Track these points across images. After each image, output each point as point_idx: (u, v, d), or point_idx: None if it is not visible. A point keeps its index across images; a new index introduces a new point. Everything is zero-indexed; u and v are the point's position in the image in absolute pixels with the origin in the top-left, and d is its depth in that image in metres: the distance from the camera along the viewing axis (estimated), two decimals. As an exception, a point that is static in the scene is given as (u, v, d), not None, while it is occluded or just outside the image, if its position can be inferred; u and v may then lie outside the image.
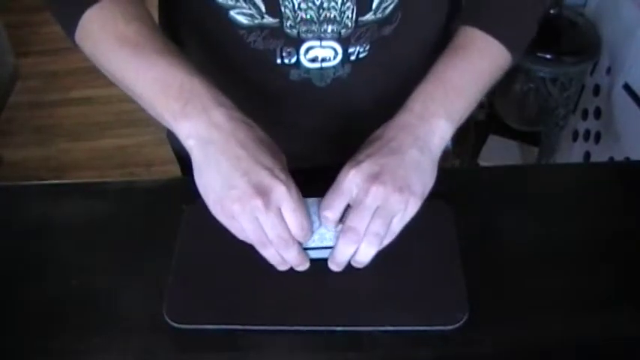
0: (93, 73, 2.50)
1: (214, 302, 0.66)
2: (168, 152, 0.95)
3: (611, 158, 1.59)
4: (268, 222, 0.59)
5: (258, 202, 0.58)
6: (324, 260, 0.65)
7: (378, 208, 0.61)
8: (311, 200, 0.66)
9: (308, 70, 0.74)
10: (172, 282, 0.67)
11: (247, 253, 0.69)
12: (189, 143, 0.61)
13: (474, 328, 0.63)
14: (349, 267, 0.66)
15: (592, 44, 1.65)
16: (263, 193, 0.58)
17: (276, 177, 0.59)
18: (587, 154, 1.74)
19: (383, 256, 0.65)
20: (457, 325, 0.63)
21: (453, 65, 0.68)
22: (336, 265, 0.65)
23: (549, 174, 0.88)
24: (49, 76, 2.53)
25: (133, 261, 0.71)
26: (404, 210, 0.62)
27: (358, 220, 0.62)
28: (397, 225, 0.63)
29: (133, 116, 2.24)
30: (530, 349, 0.63)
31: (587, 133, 1.75)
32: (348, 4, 0.68)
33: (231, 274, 0.68)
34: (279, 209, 0.60)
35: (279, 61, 0.73)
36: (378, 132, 0.66)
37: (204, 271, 0.69)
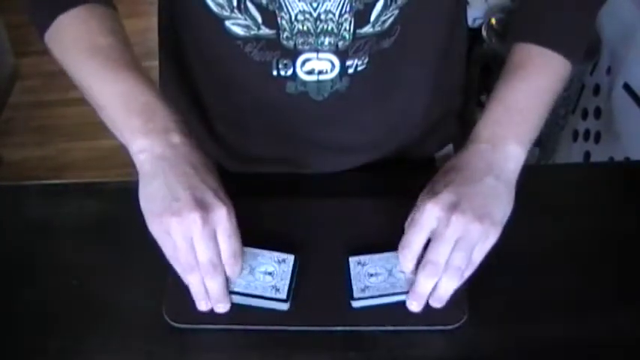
0: (93, 73, 2.41)
1: (214, 302, 0.65)
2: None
3: (611, 158, 1.59)
4: (201, 241, 0.59)
5: (196, 216, 0.58)
6: (248, 306, 0.64)
7: (458, 239, 0.60)
8: (249, 250, 0.66)
9: (305, 82, 0.73)
10: (172, 282, 0.67)
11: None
12: (140, 157, 0.62)
13: (474, 328, 0.63)
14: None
15: (592, 44, 1.65)
16: (203, 208, 0.59)
17: (220, 198, 0.60)
18: (587, 154, 1.74)
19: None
20: (457, 325, 0.63)
21: (513, 88, 0.67)
22: (416, 300, 0.63)
23: (549, 174, 0.88)
24: (48, 76, 2.53)
25: (133, 261, 0.71)
26: (485, 240, 0.61)
27: (438, 253, 0.60)
28: (478, 256, 0.61)
29: (133, 116, 2.23)
30: (531, 349, 0.63)
31: (587, 132, 1.75)
32: (346, 16, 0.67)
33: (231, 274, 0.68)
34: (215, 232, 0.60)
35: (275, 72, 0.72)
36: (450, 162, 0.66)
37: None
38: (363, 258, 0.67)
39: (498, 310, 0.66)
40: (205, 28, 0.71)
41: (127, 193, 0.81)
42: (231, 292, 0.64)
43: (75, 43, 0.67)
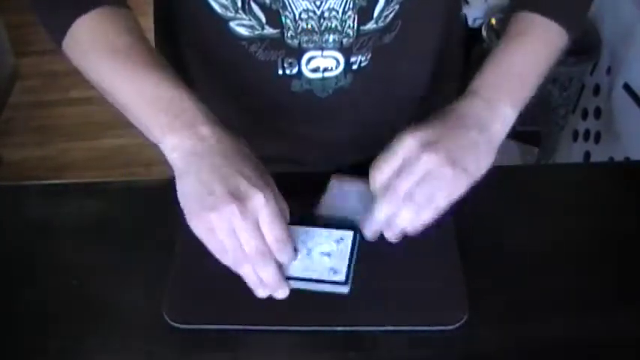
0: (93, 73, 2.41)
1: (214, 302, 0.66)
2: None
3: (611, 158, 1.59)
4: (244, 232, 0.57)
5: (233, 208, 0.57)
6: (307, 292, 0.63)
7: (425, 175, 0.60)
8: (299, 228, 0.65)
9: (310, 80, 0.73)
10: (172, 282, 0.67)
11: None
12: (173, 156, 0.61)
13: (474, 328, 0.63)
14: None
15: (592, 44, 1.65)
16: (239, 199, 0.57)
17: (255, 185, 0.58)
18: (587, 154, 1.74)
19: (383, 256, 0.65)
20: (457, 325, 0.63)
21: (512, 52, 0.69)
22: (370, 227, 0.63)
23: (549, 174, 0.88)
24: (49, 76, 2.53)
25: (133, 261, 0.71)
26: (452, 186, 0.60)
27: (400, 182, 0.60)
28: (442, 200, 0.60)
29: (133, 116, 2.23)
30: (531, 348, 0.63)
31: (587, 132, 1.75)
32: (350, 13, 0.68)
33: (232, 274, 0.68)
34: (257, 220, 0.58)
35: (280, 72, 0.72)
36: (442, 111, 0.66)
37: (204, 271, 0.68)
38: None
39: (498, 310, 0.66)
40: (208, 31, 0.71)
41: (127, 193, 0.81)
42: (289, 278, 0.62)
43: (93, 47, 0.67)
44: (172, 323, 0.64)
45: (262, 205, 0.58)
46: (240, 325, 0.64)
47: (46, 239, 0.75)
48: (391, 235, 0.63)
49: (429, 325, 0.63)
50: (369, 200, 0.64)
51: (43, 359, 0.64)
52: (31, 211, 0.79)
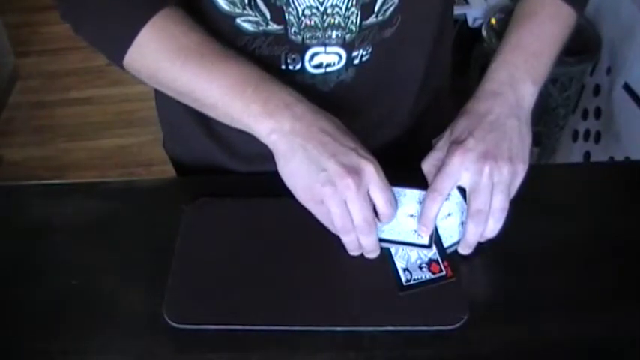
0: (93, 73, 2.50)
1: (214, 302, 0.66)
2: (168, 152, 0.95)
3: (611, 158, 1.59)
4: (357, 204, 0.61)
5: (349, 181, 0.60)
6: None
7: (495, 184, 0.64)
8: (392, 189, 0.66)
9: (313, 75, 0.74)
10: (172, 282, 0.67)
11: (247, 252, 0.70)
12: (272, 138, 0.63)
13: (474, 328, 0.63)
14: (351, 266, 0.66)
15: (592, 44, 1.65)
16: (354, 172, 0.60)
17: (363, 156, 0.61)
18: (587, 154, 1.74)
19: (383, 256, 0.66)
20: (457, 325, 0.63)
21: (527, 32, 0.72)
22: (468, 248, 0.67)
23: (549, 174, 0.88)
24: (49, 76, 2.53)
25: (133, 261, 0.71)
26: (515, 178, 0.65)
27: (481, 202, 0.64)
28: (512, 192, 0.66)
29: (133, 116, 2.24)
30: (531, 349, 0.63)
31: (587, 133, 1.75)
32: (353, 9, 0.68)
33: (231, 274, 0.68)
34: (367, 190, 0.61)
35: (283, 67, 0.73)
36: (469, 106, 0.69)
37: (204, 271, 0.69)
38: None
39: (498, 310, 0.66)
40: (213, 26, 0.71)
41: (127, 193, 0.81)
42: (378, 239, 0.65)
43: (162, 54, 0.66)
44: (172, 323, 0.64)
45: (374, 175, 0.61)
46: (240, 325, 0.64)
47: (46, 239, 0.75)
48: (484, 239, 0.67)
49: (428, 325, 0.63)
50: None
51: (43, 359, 0.64)
52: (31, 211, 0.79)
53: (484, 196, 0.64)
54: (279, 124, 0.62)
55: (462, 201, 0.68)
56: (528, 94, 0.69)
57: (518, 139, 0.66)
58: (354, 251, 0.65)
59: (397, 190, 0.67)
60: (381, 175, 0.62)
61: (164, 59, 0.66)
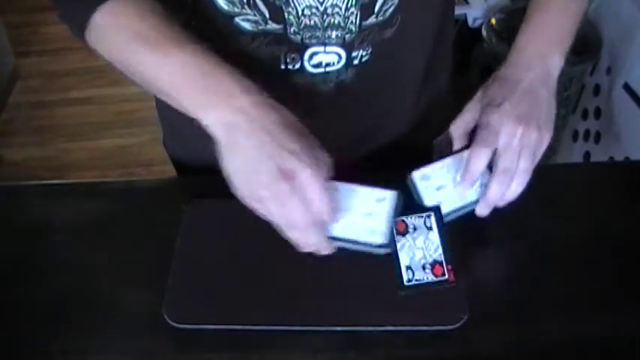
0: (93, 73, 2.49)
1: (214, 302, 0.66)
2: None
3: (611, 158, 1.59)
4: (293, 207, 0.59)
5: (281, 187, 0.58)
6: (348, 251, 0.64)
7: (523, 147, 0.67)
8: (342, 185, 0.65)
9: (312, 75, 0.74)
10: (172, 282, 0.67)
11: (247, 252, 0.70)
12: (214, 129, 0.61)
13: (474, 328, 0.63)
14: (350, 266, 0.66)
15: (592, 44, 1.65)
16: (286, 177, 0.58)
17: (301, 161, 0.59)
18: (587, 154, 1.74)
19: (383, 256, 0.66)
20: (457, 325, 0.63)
21: (547, 10, 0.75)
22: (487, 207, 0.69)
23: (549, 174, 0.88)
24: (49, 76, 2.53)
25: (133, 261, 0.71)
26: (541, 144, 0.68)
27: (510, 162, 0.67)
28: (537, 158, 0.68)
29: (133, 116, 2.24)
30: (531, 349, 0.63)
31: (587, 133, 1.75)
32: (352, 9, 0.68)
33: (231, 274, 0.68)
34: (305, 194, 0.59)
35: (283, 66, 0.73)
36: (502, 73, 0.72)
37: (204, 271, 0.69)
38: (425, 170, 0.70)
39: (498, 310, 0.66)
40: (213, 25, 0.71)
41: (127, 193, 0.81)
42: (330, 238, 0.63)
43: (117, 37, 0.66)
44: (172, 323, 0.64)
45: (309, 181, 0.59)
46: (240, 325, 0.64)
47: (46, 239, 0.75)
48: (503, 203, 0.68)
49: (428, 325, 0.63)
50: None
51: (43, 359, 0.64)
52: (31, 211, 0.79)
53: (513, 156, 0.66)
54: (222, 116, 0.60)
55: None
56: (557, 65, 0.73)
57: (547, 108, 0.70)
58: (302, 248, 0.63)
59: (351, 187, 0.66)
60: (319, 181, 0.59)
61: (118, 42, 0.66)
